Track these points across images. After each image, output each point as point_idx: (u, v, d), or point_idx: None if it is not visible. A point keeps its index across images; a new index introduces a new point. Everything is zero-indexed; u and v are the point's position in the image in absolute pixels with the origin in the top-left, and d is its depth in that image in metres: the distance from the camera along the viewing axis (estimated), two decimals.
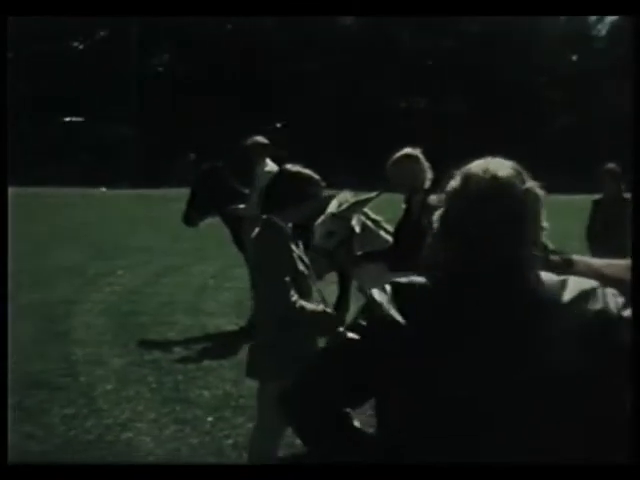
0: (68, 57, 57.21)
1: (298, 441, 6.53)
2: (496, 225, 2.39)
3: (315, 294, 5.41)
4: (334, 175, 6.91)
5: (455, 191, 2.47)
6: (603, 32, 64.14)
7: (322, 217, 7.36)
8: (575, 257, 5.80)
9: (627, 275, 5.66)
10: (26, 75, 53.35)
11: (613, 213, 9.90)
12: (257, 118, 52.64)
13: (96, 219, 25.21)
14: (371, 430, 2.54)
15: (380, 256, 7.11)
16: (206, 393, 8.02)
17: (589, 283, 2.48)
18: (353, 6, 7.26)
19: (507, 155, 2.54)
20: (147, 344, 9.88)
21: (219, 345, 9.85)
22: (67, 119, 59.18)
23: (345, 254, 7.24)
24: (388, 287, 2.51)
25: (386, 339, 2.41)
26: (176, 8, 6.86)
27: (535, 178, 2.48)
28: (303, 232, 7.71)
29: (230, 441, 6.77)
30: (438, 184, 7.05)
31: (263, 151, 10.53)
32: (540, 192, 2.48)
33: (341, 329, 2.42)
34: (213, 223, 11.69)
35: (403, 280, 2.52)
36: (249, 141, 10.59)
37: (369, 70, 55.58)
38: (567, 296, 2.41)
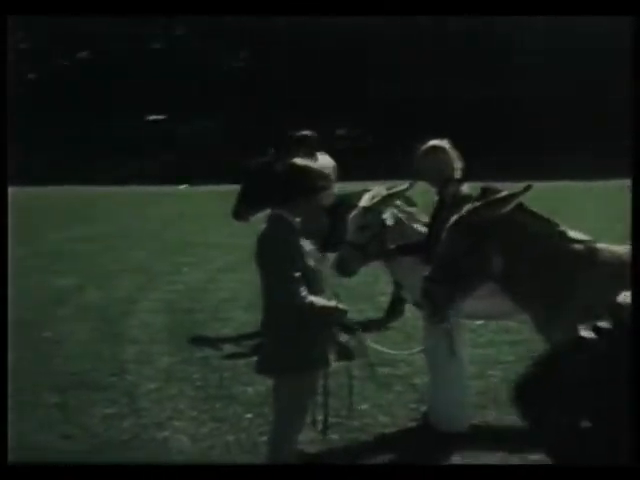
0: (147, 56, 57.84)
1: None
2: None
3: (328, 289, 5.38)
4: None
5: None
6: None
7: (355, 211, 7.35)
8: (599, 245, 5.65)
9: None
10: (107, 75, 54.25)
11: None
12: (336, 115, 52.78)
13: (171, 217, 25.42)
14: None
15: (414, 248, 7.07)
16: (249, 389, 8.04)
17: None
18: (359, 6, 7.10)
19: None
20: (200, 341, 9.96)
21: None
22: (151, 118, 59.85)
23: (378, 247, 7.21)
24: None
25: (624, 343, 2.38)
26: (177, 8, 6.85)
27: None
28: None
29: (265, 438, 6.77)
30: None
31: (313, 144, 10.50)
32: None
33: (580, 326, 2.44)
34: None
35: None
36: (296, 135, 10.56)
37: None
38: None
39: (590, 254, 5.50)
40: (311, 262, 5.16)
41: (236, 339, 10.02)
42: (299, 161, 5.29)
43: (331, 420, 6.84)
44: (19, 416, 6.97)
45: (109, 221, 23.92)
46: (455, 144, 7.04)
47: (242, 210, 10.83)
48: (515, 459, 6.32)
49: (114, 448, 6.62)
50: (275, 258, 5.08)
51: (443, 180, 6.87)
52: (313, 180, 5.20)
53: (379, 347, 5.71)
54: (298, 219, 5.25)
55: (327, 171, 5.36)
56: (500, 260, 5.43)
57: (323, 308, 5.08)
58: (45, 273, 14.72)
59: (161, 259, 16.80)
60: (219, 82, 55.33)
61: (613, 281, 5.50)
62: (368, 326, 10.39)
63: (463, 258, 5.37)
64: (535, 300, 5.58)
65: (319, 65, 54.35)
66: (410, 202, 7.61)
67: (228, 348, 9.63)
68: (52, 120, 52.73)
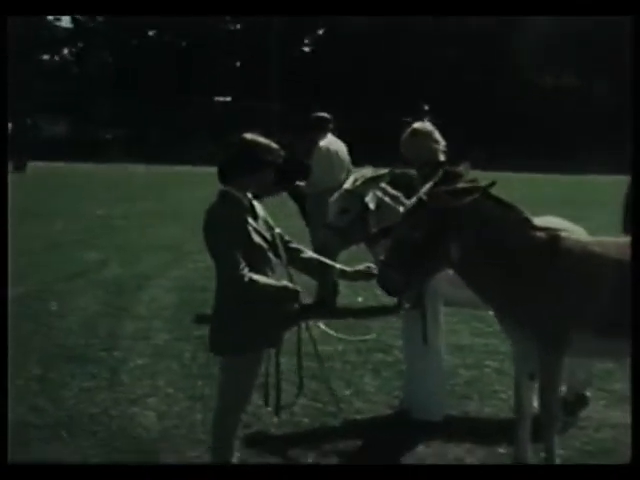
0: (214, 40, 58.22)
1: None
2: None
3: (282, 268, 5.23)
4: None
5: None
6: None
7: (336, 194, 7.22)
8: (565, 234, 5.43)
9: (616, 252, 5.33)
10: (175, 60, 54.78)
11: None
12: (400, 102, 52.50)
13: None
14: None
15: None
16: None
17: None
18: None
19: None
20: (203, 319, 9.89)
21: None
22: (217, 98, 60.24)
23: (360, 231, 7.08)
24: None
25: None
26: (176, 8, 6.81)
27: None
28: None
29: None
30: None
31: (324, 126, 10.46)
32: None
33: None
34: None
35: None
36: (311, 116, 10.55)
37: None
38: None
39: (553, 243, 5.28)
40: (256, 239, 5.03)
41: None
42: (248, 136, 5.14)
43: (306, 404, 6.83)
44: None
45: (157, 199, 24.08)
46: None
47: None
48: (481, 451, 6.16)
49: (79, 422, 6.57)
50: (216, 234, 4.97)
51: (424, 163, 6.71)
52: (261, 154, 5.06)
53: (328, 330, 5.56)
54: (248, 195, 5.13)
55: (274, 145, 5.14)
56: (459, 248, 5.22)
57: (268, 286, 4.95)
58: (75, 248, 14.84)
59: (194, 238, 16.79)
60: (285, 65, 55.46)
61: (577, 271, 5.30)
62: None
63: (420, 244, 5.18)
64: (495, 290, 5.37)
65: (387, 52, 54.21)
66: None
67: None
68: (116, 100, 53.38)
